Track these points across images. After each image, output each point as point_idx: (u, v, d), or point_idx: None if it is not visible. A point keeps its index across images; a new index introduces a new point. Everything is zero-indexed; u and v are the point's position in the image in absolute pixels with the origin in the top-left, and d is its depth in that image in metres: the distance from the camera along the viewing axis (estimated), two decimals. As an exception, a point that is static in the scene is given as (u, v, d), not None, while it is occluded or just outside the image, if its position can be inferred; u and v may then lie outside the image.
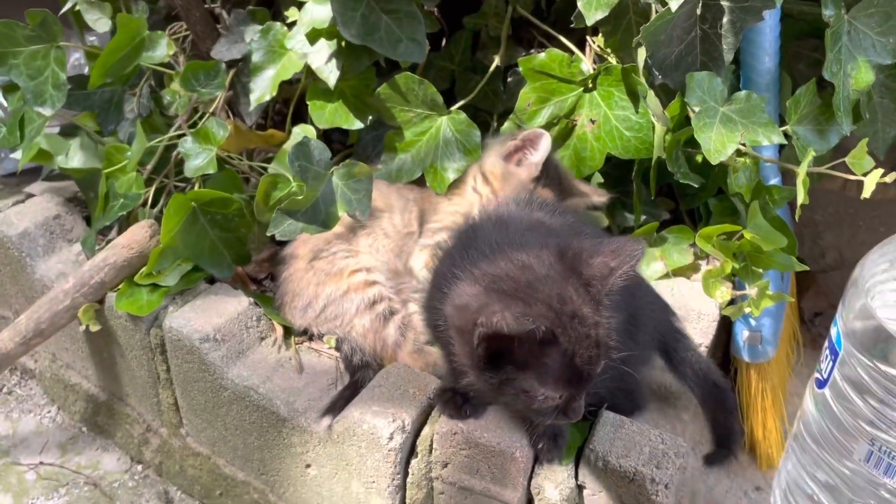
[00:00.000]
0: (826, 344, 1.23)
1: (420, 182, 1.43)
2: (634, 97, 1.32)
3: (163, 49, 1.43)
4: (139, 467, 1.54)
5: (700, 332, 1.32)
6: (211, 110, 1.47)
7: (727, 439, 1.27)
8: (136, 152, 1.38)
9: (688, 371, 1.23)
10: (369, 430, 1.13)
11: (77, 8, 1.58)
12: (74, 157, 1.50)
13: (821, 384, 1.23)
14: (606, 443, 1.10)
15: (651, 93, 1.26)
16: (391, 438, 1.12)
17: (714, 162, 1.17)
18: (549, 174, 1.35)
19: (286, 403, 1.22)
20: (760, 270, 1.36)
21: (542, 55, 1.35)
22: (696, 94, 1.19)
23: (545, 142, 1.31)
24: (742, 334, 1.43)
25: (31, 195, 1.62)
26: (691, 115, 1.19)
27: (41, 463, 1.54)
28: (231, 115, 1.56)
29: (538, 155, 1.31)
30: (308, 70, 1.45)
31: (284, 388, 1.24)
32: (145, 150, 1.45)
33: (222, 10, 1.64)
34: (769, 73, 1.30)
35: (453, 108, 1.37)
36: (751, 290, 1.27)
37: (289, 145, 1.44)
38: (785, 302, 1.48)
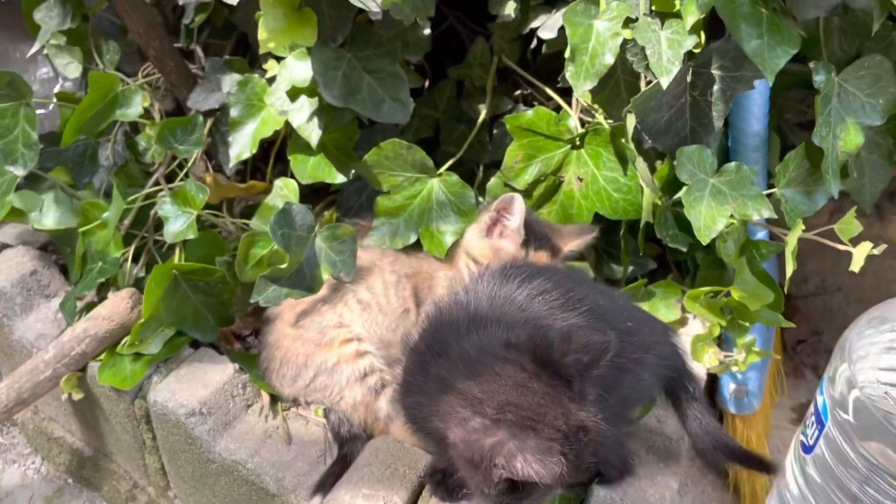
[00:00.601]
0: (811, 410, 1.24)
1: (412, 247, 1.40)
2: (623, 159, 1.30)
3: (137, 106, 1.39)
4: (127, 522, 1.54)
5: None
6: (191, 162, 1.43)
7: None
8: (113, 215, 1.34)
9: (695, 429, 1.23)
10: (360, 514, 1.13)
11: (45, 52, 1.53)
12: (48, 213, 1.45)
13: (806, 449, 1.25)
14: (597, 522, 1.11)
15: (640, 159, 1.24)
16: (382, 524, 1.12)
17: (704, 241, 1.17)
18: (535, 234, 1.33)
19: (275, 479, 1.21)
20: (747, 324, 1.37)
21: (529, 113, 1.32)
22: (686, 169, 1.18)
23: (518, 204, 1.26)
24: (728, 387, 1.44)
25: (5, 245, 1.58)
26: (683, 191, 1.18)
27: (27, 520, 1.54)
28: (209, 166, 1.52)
29: (515, 219, 1.28)
30: (288, 126, 1.42)
31: (273, 463, 1.23)
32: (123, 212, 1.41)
33: (198, 57, 1.58)
34: (758, 136, 1.29)
35: (443, 168, 1.34)
36: (738, 355, 1.27)
37: (270, 199, 1.42)
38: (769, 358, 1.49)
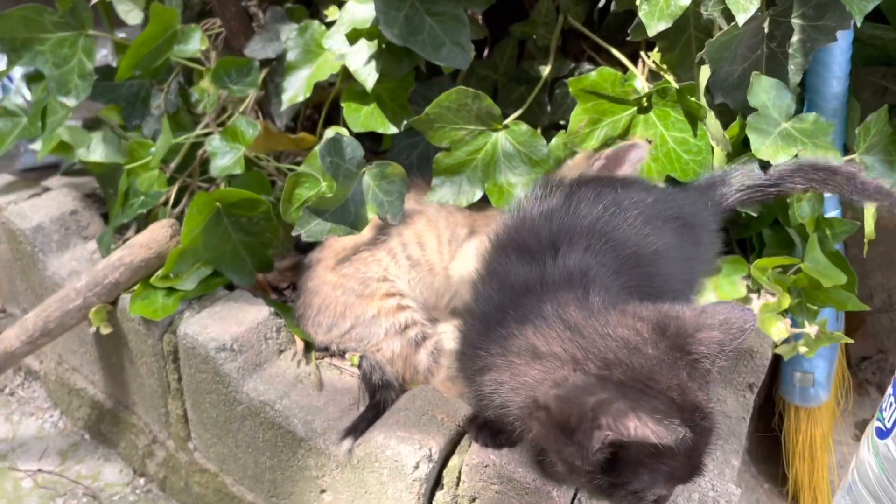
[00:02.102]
0: (890, 390, 1.14)
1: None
2: (692, 119, 1.23)
3: (196, 43, 1.37)
4: (142, 481, 1.46)
5: (751, 370, 1.22)
6: (241, 109, 1.40)
7: None
8: (160, 148, 1.31)
9: None
10: (393, 456, 1.04)
11: (110, -1, 1.53)
12: (96, 150, 1.43)
13: (882, 434, 1.14)
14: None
15: (711, 114, 1.18)
16: (416, 468, 1.03)
17: (762, 157, 1.09)
18: None
19: (304, 422, 1.13)
20: (816, 308, 1.28)
21: (593, 74, 1.27)
22: (758, 98, 1.11)
23: (637, 153, 1.19)
24: (793, 376, 1.33)
25: (47, 189, 1.56)
26: (750, 117, 1.11)
27: (39, 470, 1.46)
28: (261, 116, 1.49)
29: (636, 166, 1.20)
30: (344, 73, 1.39)
31: (303, 406, 1.16)
32: (170, 148, 1.38)
33: (258, 9, 1.58)
34: (836, 99, 1.22)
35: (508, 119, 1.29)
36: (810, 328, 1.18)
37: (319, 147, 1.37)
38: (838, 344, 1.39)
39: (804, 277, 1.23)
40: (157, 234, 1.26)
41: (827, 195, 1.30)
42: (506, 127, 1.28)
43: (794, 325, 1.26)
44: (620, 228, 0.92)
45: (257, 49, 1.46)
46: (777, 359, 1.40)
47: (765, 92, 1.14)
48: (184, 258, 1.24)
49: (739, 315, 0.75)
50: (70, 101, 1.36)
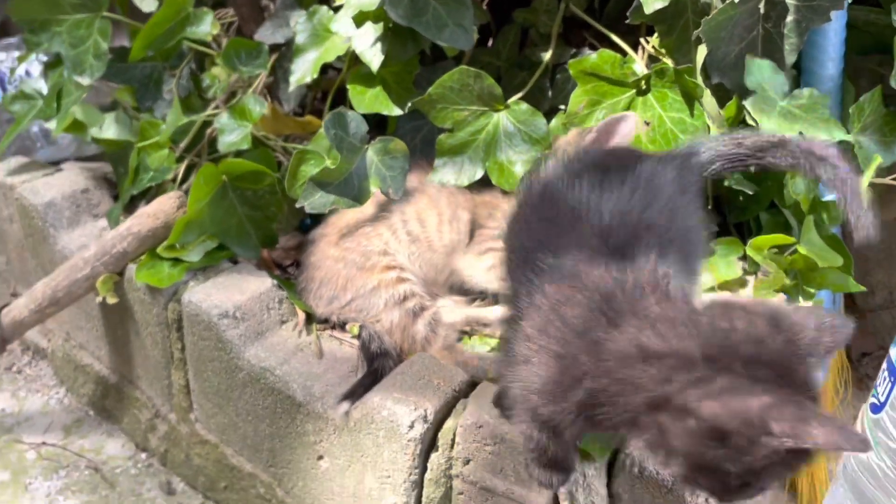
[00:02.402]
0: (884, 365, 1.14)
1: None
2: (689, 99, 1.26)
3: (207, 25, 1.41)
4: (143, 455, 1.48)
5: (746, 348, 1.23)
6: (251, 89, 1.44)
7: None
8: (170, 124, 1.35)
9: None
10: (388, 416, 1.06)
11: (124, -15, 1.57)
12: (109, 129, 1.47)
13: (876, 409, 1.14)
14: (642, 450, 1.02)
15: (707, 92, 1.21)
16: (411, 427, 1.04)
17: None
18: None
19: (303, 387, 1.15)
20: (813, 290, 1.29)
21: (594, 56, 1.30)
22: (754, 79, 1.14)
23: (627, 125, 1.19)
24: (789, 357, 1.34)
25: (60, 170, 1.60)
26: (749, 100, 1.13)
27: (43, 443, 1.48)
28: (269, 100, 1.53)
29: (622, 139, 1.21)
30: (350, 58, 1.42)
31: (302, 373, 1.18)
32: (179, 129, 1.42)
33: (270, 0, 1.62)
34: (832, 80, 1.24)
35: (510, 100, 1.32)
36: (804, 304, 1.19)
37: (325, 120, 1.40)
38: (836, 327, 1.39)
39: (800, 258, 1.25)
40: (164, 205, 1.30)
41: (821, 185, 1.31)
42: (507, 107, 1.31)
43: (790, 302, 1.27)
44: (666, 213, 0.89)
45: (267, 34, 1.51)
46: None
47: (760, 73, 1.17)
48: (190, 229, 1.27)
49: (846, 327, 0.71)
50: (85, 80, 1.40)
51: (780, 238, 1.23)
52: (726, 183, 1.26)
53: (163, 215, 1.29)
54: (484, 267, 1.28)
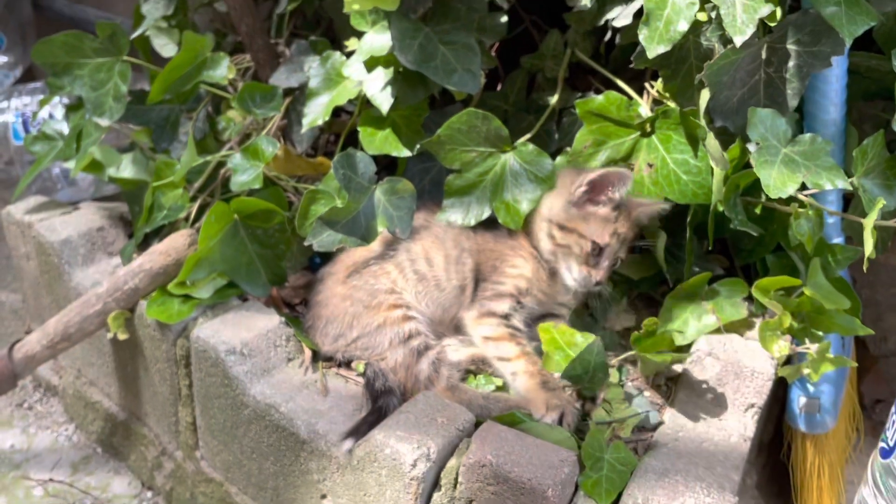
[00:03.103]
0: (893, 409, 1.13)
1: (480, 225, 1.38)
2: (693, 141, 1.28)
3: (223, 69, 1.45)
4: (149, 493, 1.47)
5: (753, 391, 1.22)
6: (265, 130, 1.48)
7: None
8: (184, 164, 1.38)
9: None
10: (391, 455, 1.05)
11: (147, 33, 1.63)
12: (126, 169, 1.51)
13: (886, 453, 1.13)
14: (647, 490, 1.01)
15: (711, 135, 1.22)
16: (414, 466, 1.04)
17: (773, 196, 1.12)
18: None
19: (307, 425, 1.15)
20: (820, 333, 1.28)
21: (600, 97, 1.33)
22: (757, 130, 1.15)
23: (628, 182, 1.25)
24: (798, 401, 1.33)
25: (77, 208, 1.63)
26: (751, 152, 1.14)
27: (51, 480, 1.49)
28: (283, 142, 1.56)
29: (620, 194, 1.26)
30: (362, 102, 1.46)
31: (307, 410, 1.18)
32: (194, 169, 1.46)
33: (285, 47, 1.67)
34: (834, 125, 1.25)
35: (518, 141, 1.34)
36: (811, 346, 1.18)
37: (334, 160, 1.43)
38: (846, 370, 1.38)
39: (807, 301, 1.24)
40: (176, 242, 1.32)
41: (829, 220, 1.32)
42: (514, 148, 1.34)
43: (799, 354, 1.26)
44: None
45: (282, 79, 1.55)
46: (785, 386, 1.39)
47: (761, 123, 1.18)
48: (200, 266, 1.29)
49: None
50: (104, 122, 1.45)
51: (785, 280, 1.23)
52: (731, 225, 1.27)
53: (174, 252, 1.31)
54: (481, 335, 1.28)
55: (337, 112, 1.70)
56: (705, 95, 1.23)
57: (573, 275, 1.28)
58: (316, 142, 1.62)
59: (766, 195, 1.20)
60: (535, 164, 1.31)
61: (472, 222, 1.34)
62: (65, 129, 1.64)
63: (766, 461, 1.52)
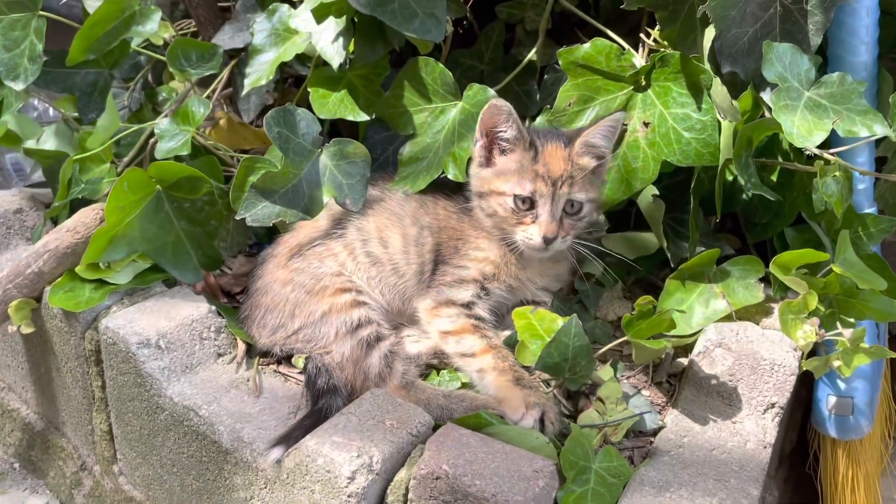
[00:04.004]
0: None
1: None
2: (696, 91, 1.08)
3: (154, 24, 1.26)
4: (67, 516, 1.27)
5: (773, 387, 1.01)
6: (206, 92, 1.28)
7: None
8: (102, 128, 1.19)
9: None
10: (325, 466, 0.85)
11: (77, -8, 1.44)
12: (46, 142, 1.32)
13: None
14: (644, 508, 0.80)
15: (717, 80, 1.03)
16: (352, 479, 0.83)
17: (799, 145, 0.92)
18: (538, 133, 1.11)
19: (231, 431, 0.95)
20: (852, 320, 1.07)
21: (587, 46, 1.13)
22: (774, 69, 0.95)
23: (500, 107, 1.05)
24: (827, 401, 1.11)
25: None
26: (768, 98, 0.94)
27: (-44, 500, 1.28)
28: (226, 110, 1.37)
29: (510, 126, 1.07)
30: (315, 64, 1.27)
31: (233, 413, 0.98)
32: (124, 142, 1.27)
33: (232, 2, 1.48)
34: (865, 69, 1.06)
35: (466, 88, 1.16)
36: (845, 332, 0.97)
37: (266, 117, 1.24)
38: (882, 364, 1.17)
39: (835, 281, 1.04)
40: (85, 217, 1.13)
41: (859, 186, 1.12)
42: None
43: (827, 343, 1.06)
44: None
45: (225, 38, 1.36)
46: (809, 384, 1.18)
47: (780, 60, 0.98)
48: (116, 246, 1.09)
49: None
50: (18, 85, 1.25)
51: (810, 254, 1.02)
52: (744, 190, 1.07)
53: (83, 229, 1.11)
54: (438, 329, 1.08)
55: (295, 80, 1.52)
56: (710, 34, 1.04)
57: (518, 240, 1.07)
58: (265, 111, 1.42)
59: (783, 155, 1.01)
60: (479, 104, 1.13)
61: (423, 185, 1.15)
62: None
63: (789, 475, 1.30)
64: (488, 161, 1.09)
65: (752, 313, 1.12)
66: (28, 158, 2.16)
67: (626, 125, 1.15)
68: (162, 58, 1.37)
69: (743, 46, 1.04)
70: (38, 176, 2.02)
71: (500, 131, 1.06)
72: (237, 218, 1.06)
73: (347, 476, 0.83)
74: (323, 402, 0.97)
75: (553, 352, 0.91)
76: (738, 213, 1.24)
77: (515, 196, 1.05)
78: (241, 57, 1.36)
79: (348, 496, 0.83)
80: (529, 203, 1.05)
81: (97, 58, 1.33)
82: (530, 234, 1.05)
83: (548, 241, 1.04)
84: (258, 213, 1.06)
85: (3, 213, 1.33)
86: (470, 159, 1.13)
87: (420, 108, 1.17)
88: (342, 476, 0.83)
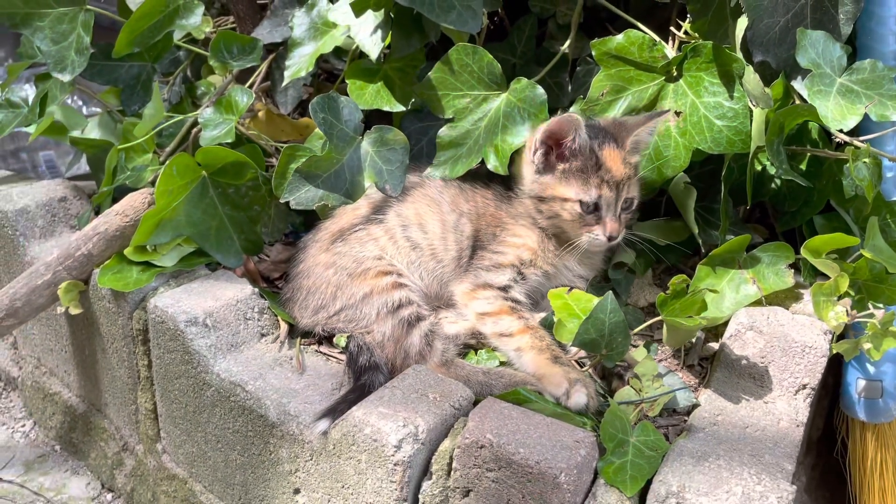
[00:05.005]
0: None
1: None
2: (728, 79, 1.11)
3: (197, 17, 1.30)
4: (109, 496, 1.30)
5: (805, 368, 1.03)
6: (247, 83, 1.32)
7: None
8: (148, 117, 1.22)
9: None
10: (372, 435, 0.87)
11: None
12: (91, 132, 1.36)
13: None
14: (684, 476, 0.82)
15: (749, 68, 1.05)
16: (398, 448, 0.86)
17: (833, 128, 0.94)
18: (595, 131, 1.13)
19: (277, 405, 0.98)
20: (881, 306, 1.09)
21: (619, 37, 1.16)
22: (808, 55, 0.98)
23: (573, 122, 1.07)
24: (857, 385, 1.13)
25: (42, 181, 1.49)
26: (799, 87, 0.97)
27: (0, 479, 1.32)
28: (265, 102, 1.41)
29: (580, 137, 1.09)
30: (352, 56, 1.31)
31: (278, 389, 1.01)
32: (166, 132, 1.31)
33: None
34: (894, 58, 1.08)
35: (513, 81, 1.18)
36: (876, 313, 0.99)
37: (312, 103, 1.27)
38: (912, 349, 1.18)
39: (864, 266, 1.06)
40: (134, 202, 1.16)
41: (888, 174, 1.14)
42: (509, 88, 1.18)
43: (856, 329, 1.08)
44: None
45: (265, 33, 1.40)
46: (836, 372, 1.20)
47: (813, 47, 1.01)
48: (163, 229, 1.13)
49: None
50: (65, 77, 1.30)
51: (841, 238, 1.04)
52: (773, 184, 1.09)
53: (132, 212, 1.15)
54: (475, 311, 1.10)
55: (329, 76, 1.55)
56: (742, 24, 1.06)
57: (582, 242, 1.11)
58: (303, 103, 1.46)
59: (812, 143, 1.03)
60: (527, 99, 1.15)
61: (461, 172, 1.18)
62: (32, 96, 1.49)
63: (816, 461, 1.32)
64: (545, 167, 1.11)
65: (782, 299, 1.14)
66: (61, 157, 2.22)
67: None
68: (203, 52, 1.42)
69: (775, 36, 1.06)
70: (74, 172, 2.07)
71: (567, 141, 1.08)
72: (281, 201, 1.09)
73: (394, 445, 0.86)
74: (365, 378, 1.00)
75: (590, 328, 0.94)
76: (767, 204, 1.26)
77: (582, 202, 1.09)
78: (279, 51, 1.40)
79: (395, 464, 0.86)
80: (594, 207, 1.09)
81: (141, 51, 1.37)
82: (596, 234, 1.10)
83: (612, 239, 1.10)
84: (302, 196, 1.09)
85: (48, 202, 1.37)
86: (514, 156, 1.16)
87: (462, 93, 1.19)
88: (389, 445, 0.86)
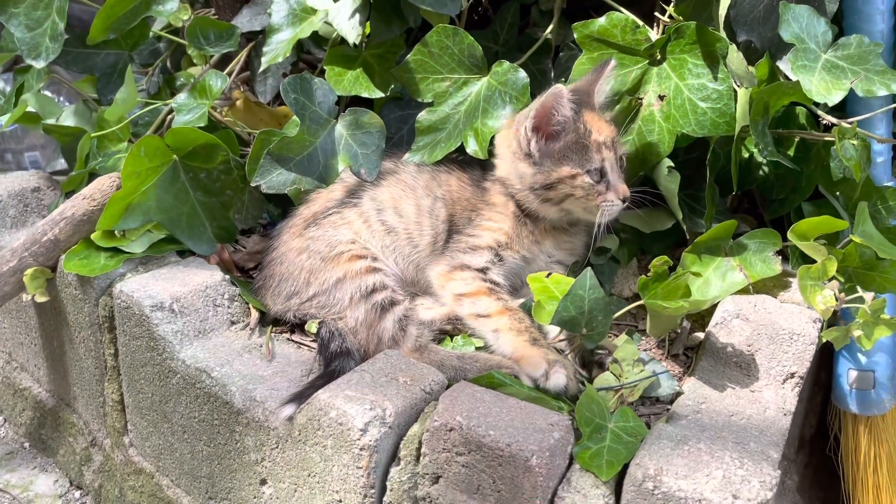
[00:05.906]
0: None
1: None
2: (712, 60, 1.08)
3: (174, 3, 1.27)
4: (76, 493, 1.26)
5: (793, 357, 0.99)
6: (226, 70, 1.30)
7: None
8: (120, 101, 1.20)
9: None
10: (337, 418, 0.84)
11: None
12: (65, 121, 1.33)
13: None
14: (661, 459, 0.78)
15: (733, 48, 1.02)
16: (364, 431, 0.82)
17: (818, 100, 0.91)
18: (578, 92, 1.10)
19: (242, 391, 0.94)
20: (872, 294, 1.06)
21: (602, 20, 1.14)
22: (791, 29, 0.95)
23: (561, 95, 1.04)
24: (848, 375, 1.09)
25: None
26: (784, 67, 0.94)
27: (-36, 477, 1.28)
28: (243, 90, 1.39)
29: (564, 108, 1.05)
30: (332, 44, 1.29)
31: (245, 375, 0.97)
32: (141, 121, 1.28)
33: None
34: (882, 37, 1.05)
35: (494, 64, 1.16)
36: (865, 295, 0.95)
37: (283, 83, 1.23)
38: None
39: (854, 253, 1.02)
40: (101, 185, 1.13)
41: (878, 159, 1.11)
42: (490, 72, 1.16)
43: (846, 316, 1.04)
44: None
45: (244, 21, 1.39)
46: (828, 365, 1.16)
47: (796, 21, 0.99)
48: (132, 214, 1.09)
49: None
50: (39, 63, 1.27)
51: (829, 222, 1.01)
52: (760, 171, 1.06)
53: (100, 196, 1.12)
54: (452, 292, 1.07)
55: (311, 66, 1.53)
56: (725, 3, 1.04)
57: (600, 217, 1.07)
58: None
59: (800, 127, 1.00)
60: (509, 83, 1.13)
61: (440, 157, 1.15)
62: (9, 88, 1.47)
63: (809, 460, 1.28)
64: (541, 154, 1.07)
65: (770, 287, 1.11)
66: (46, 158, 2.19)
67: (640, 99, 1.15)
68: (181, 41, 1.39)
69: (759, 14, 1.04)
70: (55, 167, 2.05)
71: (558, 116, 1.05)
72: (252, 185, 1.06)
73: (360, 428, 0.82)
74: (336, 364, 0.96)
75: (569, 305, 0.90)
76: (755, 192, 1.23)
77: (589, 171, 1.05)
78: (258, 39, 1.38)
79: (361, 449, 0.82)
80: (600, 173, 1.06)
81: (117, 38, 1.34)
82: (611, 200, 1.06)
83: (625, 200, 1.07)
84: (273, 179, 1.06)
85: (20, 192, 1.34)
86: (493, 140, 1.13)
87: (442, 77, 1.16)
88: (354, 428, 0.82)
